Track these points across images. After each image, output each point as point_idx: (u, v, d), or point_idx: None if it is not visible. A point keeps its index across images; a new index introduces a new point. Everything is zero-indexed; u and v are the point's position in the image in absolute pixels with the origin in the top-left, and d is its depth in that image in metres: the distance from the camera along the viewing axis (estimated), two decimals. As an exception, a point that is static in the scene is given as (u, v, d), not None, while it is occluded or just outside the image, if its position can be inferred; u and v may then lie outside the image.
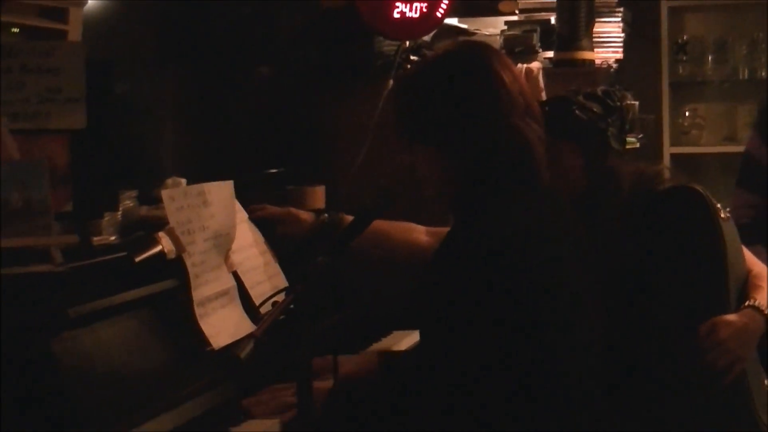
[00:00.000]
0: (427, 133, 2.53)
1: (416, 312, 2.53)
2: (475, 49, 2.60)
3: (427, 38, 4.34)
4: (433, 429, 2.39)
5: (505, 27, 4.67)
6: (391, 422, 2.44)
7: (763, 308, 2.94)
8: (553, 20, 4.54)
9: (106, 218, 2.89)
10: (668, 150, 6.29)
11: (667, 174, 3.11)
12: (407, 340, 3.33)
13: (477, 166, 2.48)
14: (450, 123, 2.48)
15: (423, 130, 2.53)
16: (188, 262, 2.76)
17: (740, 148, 5.49)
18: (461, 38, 4.55)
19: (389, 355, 2.99)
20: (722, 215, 2.99)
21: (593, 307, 2.49)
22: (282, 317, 2.31)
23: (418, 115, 2.53)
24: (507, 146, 2.46)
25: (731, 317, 2.90)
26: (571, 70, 4.29)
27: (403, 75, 3.71)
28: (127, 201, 3.00)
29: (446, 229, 3.00)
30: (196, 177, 3.05)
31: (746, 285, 3.02)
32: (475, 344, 2.32)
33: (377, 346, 3.29)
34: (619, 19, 4.78)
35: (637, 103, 4.93)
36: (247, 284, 2.99)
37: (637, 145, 4.67)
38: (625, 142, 3.19)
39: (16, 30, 2.97)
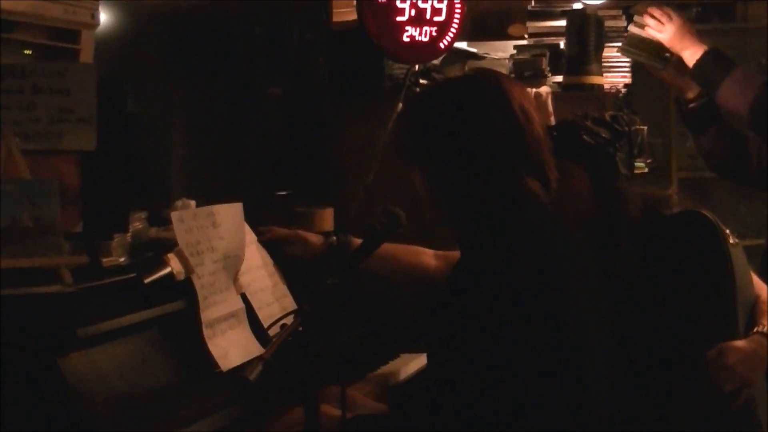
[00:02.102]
0: (423, 159, 2.52)
1: (426, 339, 2.51)
2: (475, 85, 2.51)
3: (436, 62, 4.35)
4: None
5: (515, 51, 4.68)
6: None
7: (772, 334, 2.94)
8: (562, 44, 4.55)
9: (116, 239, 2.90)
10: (676, 174, 6.29)
11: (675, 199, 3.11)
12: (415, 363, 3.33)
13: (471, 197, 2.47)
14: (444, 154, 2.45)
15: (419, 156, 2.52)
16: (197, 284, 2.76)
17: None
18: (470, 64, 4.57)
19: (399, 395, 2.97)
20: (731, 240, 2.98)
21: (603, 332, 2.48)
22: (290, 339, 2.32)
23: (416, 141, 2.52)
24: (499, 187, 2.45)
25: (739, 343, 2.90)
26: (579, 95, 4.30)
27: (407, 101, 3.71)
28: (137, 222, 3.01)
29: (454, 253, 3.00)
30: (206, 198, 3.06)
31: (755, 311, 3.02)
32: (486, 373, 2.30)
33: (385, 368, 3.29)
34: (628, 43, 4.78)
35: (645, 127, 4.94)
36: (256, 306, 2.99)
37: (646, 169, 4.67)
38: (633, 167, 3.19)
39: (28, 51, 2.99)
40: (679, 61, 3.61)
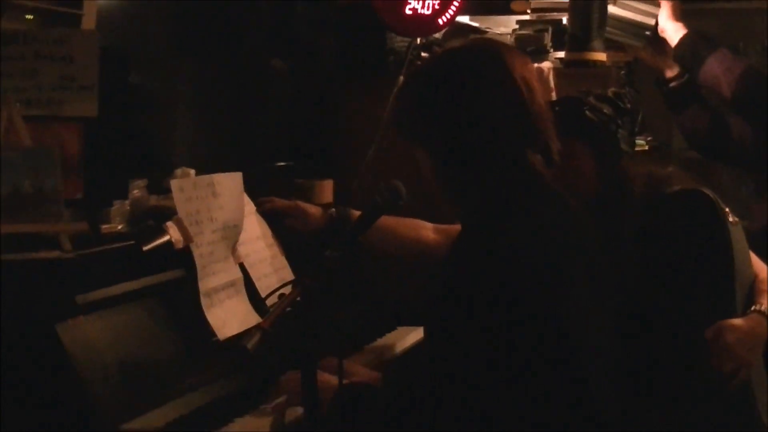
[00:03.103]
0: (423, 134, 2.50)
1: (423, 315, 2.50)
2: (475, 56, 2.48)
3: (438, 35, 4.34)
4: None
5: (517, 26, 4.66)
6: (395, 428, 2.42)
7: (769, 313, 2.94)
8: (565, 20, 4.53)
9: (116, 206, 2.90)
10: (677, 153, 6.28)
11: (676, 177, 3.10)
12: (411, 336, 3.34)
13: (472, 173, 2.45)
14: (444, 128, 2.43)
15: (420, 131, 2.50)
16: (196, 253, 2.77)
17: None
18: (472, 37, 4.55)
19: (394, 369, 2.98)
20: (731, 219, 2.98)
21: (604, 312, 2.47)
22: (289, 310, 2.32)
23: (416, 116, 2.49)
24: (503, 166, 2.43)
25: (737, 321, 2.90)
26: (582, 71, 4.28)
27: (408, 74, 3.69)
28: (137, 190, 3.01)
29: (454, 227, 3.00)
30: (206, 168, 3.06)
31: (753, 289, 3.02)
32: (484, 354, 2.28)
33: (382, 341, 3.29)
34: (631, 21, 4.76)
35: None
36: (254, 276, 3.00)
37: (646, 147, 4.67)
38: (634, 145, 3.18)
39: (30, 17, 2.97)
40: (657, 41, 3.63)
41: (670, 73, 3.64)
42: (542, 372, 2.29)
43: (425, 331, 2.51)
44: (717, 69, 3.47)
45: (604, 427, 2.38)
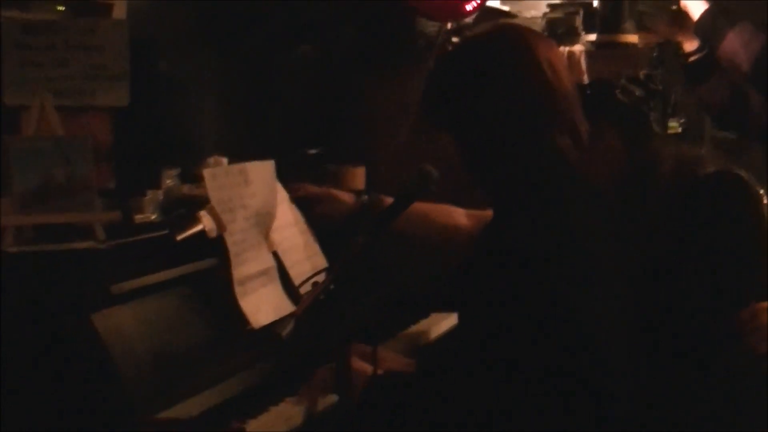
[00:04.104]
0: (451, 120, 2.49)
1: (455, 302, 2.50)
2: (498, 42, 2.46)
3: (469, 19, 4.33)
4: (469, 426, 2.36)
5: (548, 9, 4.64)
6: (428, 417, 2.42)
7: (805, 295, 2.92)
8: (595, 3, 4.51)
9: (148, 196, 2.91)
10: (710, 133, 6.24)
11: (709, 159, 3.09)
12: (445, 322, 3.33)
13: (501, 158, 2.44)
14: (471, 114, 2.42)
15: (447, 117, 2.49)
16: (229, 241, 2.77)
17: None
18: (500, 22, 4.52)
19: (427, 355, 2.97)
20: (765, 201, 2.96)
21: (631, 297, 2.45)
22: (322, 297, 2.32)
23: (443, 102, 2.48)
24: (530, 151, 2.42)
25: (773, 304, 2.89)
26: (613, 53, 4.26)
27: (437, 59, 3.69)
28: (169, 179, 3.02)
29: (486, 212, 2.99)
30: (238, 156, 3.06)
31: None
32: (513, 339, 2.28)
33: (415, 328, 3.29)
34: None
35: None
36: (287, 264, 3.00)
37: (680, 129, 4.64)
38: (667, 126, 3.17)
39: (61, 8, 2.99)
40: (679, 14, 3.63)
41: (690, 46, 3.64)
42: (569, 358, 2.28)
43: (458, 317, 2.51)
44: (736, 44, 3.46)
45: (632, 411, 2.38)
